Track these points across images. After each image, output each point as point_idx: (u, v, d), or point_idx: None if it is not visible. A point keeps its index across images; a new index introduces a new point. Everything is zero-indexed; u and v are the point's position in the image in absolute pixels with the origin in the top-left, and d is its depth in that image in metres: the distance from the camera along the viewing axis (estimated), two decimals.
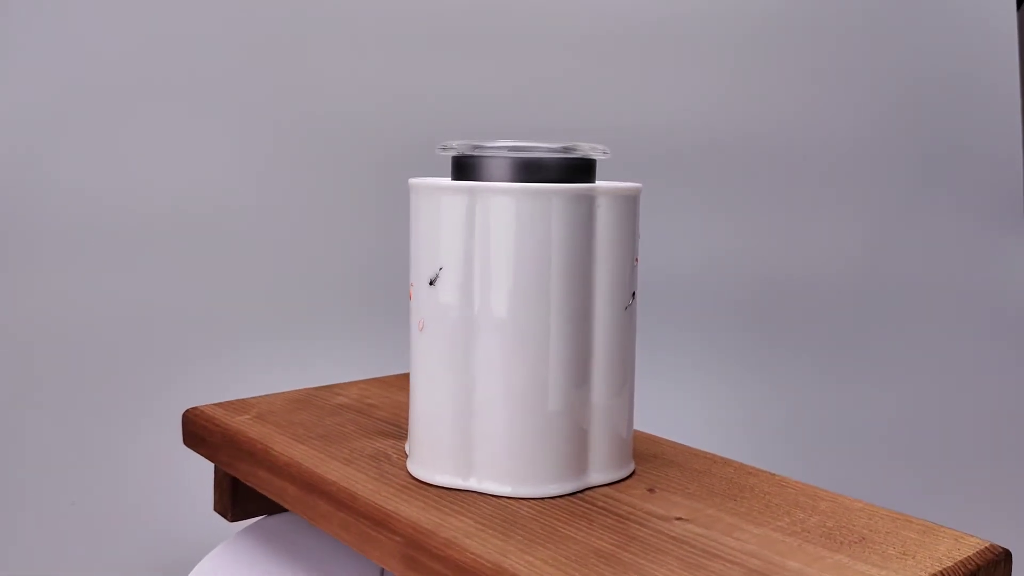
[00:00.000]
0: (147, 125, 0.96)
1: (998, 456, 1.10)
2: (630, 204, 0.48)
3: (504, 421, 0.46)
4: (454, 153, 0.48)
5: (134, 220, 0.96)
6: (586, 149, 0.50)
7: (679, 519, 0.44)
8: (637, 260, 0.49)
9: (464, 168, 0.48)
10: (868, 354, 1.13)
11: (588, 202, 0.46)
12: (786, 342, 1.12)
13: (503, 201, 0.45)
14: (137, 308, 0.95)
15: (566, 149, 0.49)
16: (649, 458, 0.52)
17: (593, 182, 0.50)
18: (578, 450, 0.47)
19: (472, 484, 0.47)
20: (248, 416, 0.59)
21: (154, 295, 0.96)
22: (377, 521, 0.45)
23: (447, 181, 0.47)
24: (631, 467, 0.50)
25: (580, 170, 0.49)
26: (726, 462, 0.52)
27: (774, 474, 0.50)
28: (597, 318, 0.47)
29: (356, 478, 0.49)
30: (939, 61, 1.18)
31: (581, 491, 0.47)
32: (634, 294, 0.49)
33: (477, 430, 0.47)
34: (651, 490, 0.48)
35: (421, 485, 0.48)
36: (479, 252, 0.45)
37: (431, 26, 1.04)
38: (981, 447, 1.11)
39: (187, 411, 0.61)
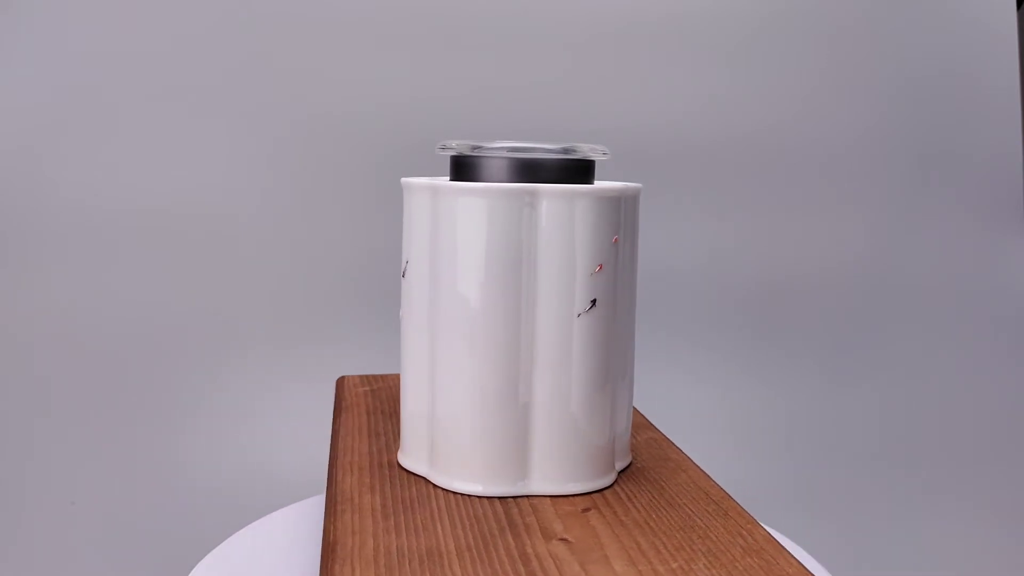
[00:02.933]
0: (147, 126, 0.99)
1: (997, 456, 1.10)
2: (603, 206, 0.46)
3: (444, 415, 0.47)
4: (453, 153, 0.50)
5: (134, 220, 0.98)
6: (585, 150, 0.48)
7: (561, 540, 0.41)
8: (601, 267, 0.46)
9: (461, 168, 0.49)
10: (868, 354, 1.13)
11: (531, 204, 0.45)
12: (785, 342, 1.12)
13: (457, 201, 0.46)
14: (138, 308, 0.98)
15: (565, 150, 0.48)
16: (649, 480, 0.49)
17: (591, 183, 0.48)
18: (512, 456, 0.46)
19: (414, 468, 0.49)
20: (367, 388, 0.66)
21: (154, 296, 0.98)
22: (330, 488, 0.49)
23: (420, 180, 0.49)
24: (601, 481, 0.47)
25: (577, 171, 0.48)
26: (721, 500, 0.47)
27: (751, 519, 0.44)
28: (541, 324, 0.45)
29: (357, 452, 0.53)
30: (939, 61, 1.15)
31: (516, 496, 0.46)
32: (594, 301, 0.46)
33: (424, 421, 0.48)
34: (586, 510, 0.45)
35: (394, 466, 0.51)
36: (434, 249, 0.47)
37: (431, 27, 1.05)
38: (980, 447, 1.11)
39: (338, 379, 0.70)
